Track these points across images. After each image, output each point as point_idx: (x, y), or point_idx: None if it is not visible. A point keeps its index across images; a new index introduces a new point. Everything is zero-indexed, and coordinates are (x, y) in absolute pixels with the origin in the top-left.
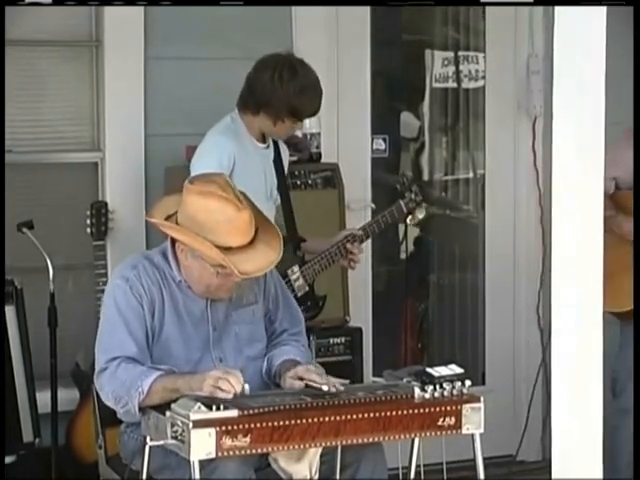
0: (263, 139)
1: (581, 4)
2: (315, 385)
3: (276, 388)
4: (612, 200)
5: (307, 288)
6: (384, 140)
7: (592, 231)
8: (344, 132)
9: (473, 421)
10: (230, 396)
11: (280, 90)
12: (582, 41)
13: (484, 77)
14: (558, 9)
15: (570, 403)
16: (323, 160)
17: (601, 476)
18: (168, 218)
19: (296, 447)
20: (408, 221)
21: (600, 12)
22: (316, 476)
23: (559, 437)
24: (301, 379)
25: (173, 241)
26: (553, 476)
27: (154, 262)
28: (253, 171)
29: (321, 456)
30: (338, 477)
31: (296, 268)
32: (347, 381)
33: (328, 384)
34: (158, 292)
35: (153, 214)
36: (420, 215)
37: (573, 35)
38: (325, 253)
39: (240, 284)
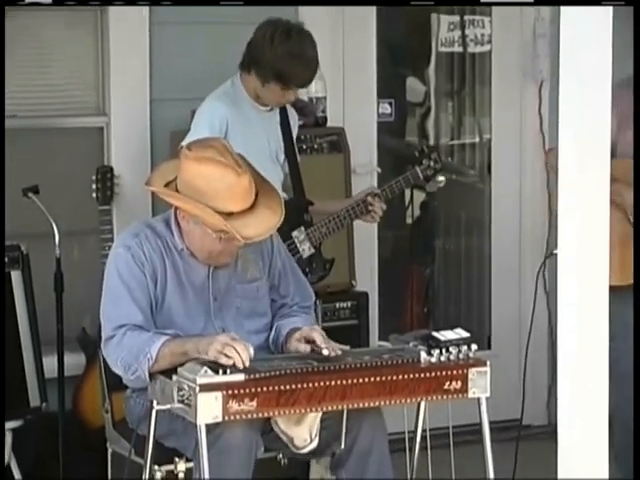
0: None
1: (581, 4)
2: (315, 348)
3: None
4: (610, 169)
5: (313, 250)
6: (390, 104)
7: (598, 197)
8: (350, 96)
9: (479, 385)
10: (230, 362)
11: (268, 51)
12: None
13: (490, 41)
14: None
15: (576, 368)
16: (329, 124)
17: (607, 440)
18: (168, 185)
19: (302, 411)
20: (427, 188)
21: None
22: (316, 440)
23: (565, 402)
24: (306, 340)
25: (176, 208)
26: (559, 440)
27: (156, 230)
28: (253, 135)
29: (322, 421)
30: (343, 443)
31: (302, 229)
32: (347, 347)
33: (329, 348)
34: (160, 260)
35: (152, 182)
36: (440, 182)
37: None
38: (334, 215)
39: (246, 258)
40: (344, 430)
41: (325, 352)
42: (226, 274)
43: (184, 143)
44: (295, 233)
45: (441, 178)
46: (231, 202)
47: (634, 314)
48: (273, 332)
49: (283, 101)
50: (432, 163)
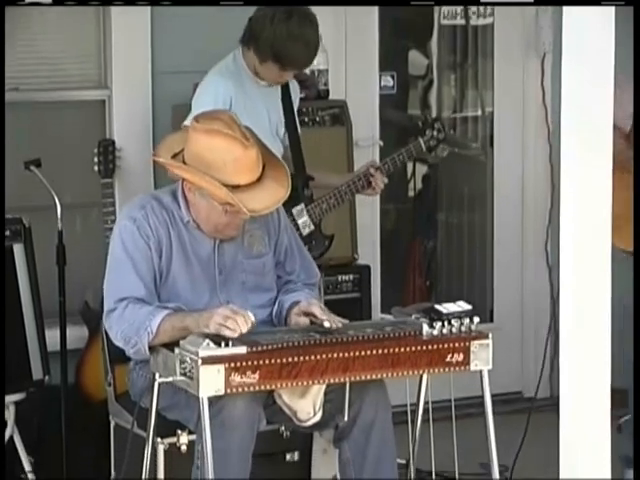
0: None
1: (581, 4)
2: (316, 320)
3: None
4: (630, 140)
5: (313, 227)
6: (392, 77)
7: (601, 167)
8: (352, 69)
9: (481, 358)
10: (235, 335)
11: (268, 29)
12: None
13: (492, 14)
14: None
15: (579, 340)
16: (331, 97)
17: (609, 412)
18: (174, 156)
19: (305, 384)
20: (430, 159)
21: None
22: (320, 413)
23: (567, 374)
24: (305, 314)
25: (183, 180)
26: (561, 413)
27: (162, 202)
28: (253, 110)
29: (325, 394)
30: (346, 415)
31: (301, 206)
32: (346, 321)
33: (330, 320)
34: (166, 233)
35: (159, 153)
36: (444, 153)
37: None
38: (335, 191)
39: (252, 233)
40: (347, 403)
41: (326, 324)
42: (232, 248)
43: (188, 121)
44: (295, 210)
45: (445, 149)
46: (238, 175)
47: (634, 308)
48: (276, 306)
49: (281, 80)
50: (435, 133)
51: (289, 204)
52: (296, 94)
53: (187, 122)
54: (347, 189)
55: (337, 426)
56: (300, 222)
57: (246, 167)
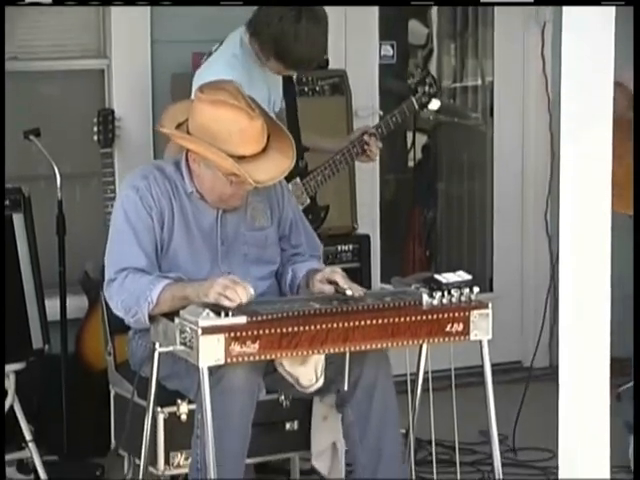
0: None
1: (581, 4)
2: (339, 289)
3: None
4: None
5: (308, 201)
6: (392, 46)
7: (601, 136)
8: (352, 38)
9: (481, 327)
10: (234, 305)
11: (274, 26)
12: None
13: None
14: None
15: (578, 309)
16: (331, 67)
17: (608, 381)
18: (178, 127)
19: (304, 353)
20: (422, 113)
21: None
22: (322, 379)
23: (566, 343)
24: (329, 281)
25: (187, 150)
26: (560, 382)
27: (165, 173)
28: (254, 88)
29: (326, 359)
30: (346, 385)
31: (297, 181)
32: (364, 290)
33: (352, 289)
34: (168, 203)
35: (163, 123)
36: (435, 106)
37: None
38: (330, 161)
39: (255, 206)
40: (347, 374)
41: (349, 292)
42: (235, 220)
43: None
44: (291, 186)
45: (436, 102)
46: (243, 145)
47: (634, 299)
48: (289, 275)
49: (285, 74)
50: (427, 88)
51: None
52: None
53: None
54: (342, 158)
55: (339, 390)
56: (296, 197)
57: (252, 138)
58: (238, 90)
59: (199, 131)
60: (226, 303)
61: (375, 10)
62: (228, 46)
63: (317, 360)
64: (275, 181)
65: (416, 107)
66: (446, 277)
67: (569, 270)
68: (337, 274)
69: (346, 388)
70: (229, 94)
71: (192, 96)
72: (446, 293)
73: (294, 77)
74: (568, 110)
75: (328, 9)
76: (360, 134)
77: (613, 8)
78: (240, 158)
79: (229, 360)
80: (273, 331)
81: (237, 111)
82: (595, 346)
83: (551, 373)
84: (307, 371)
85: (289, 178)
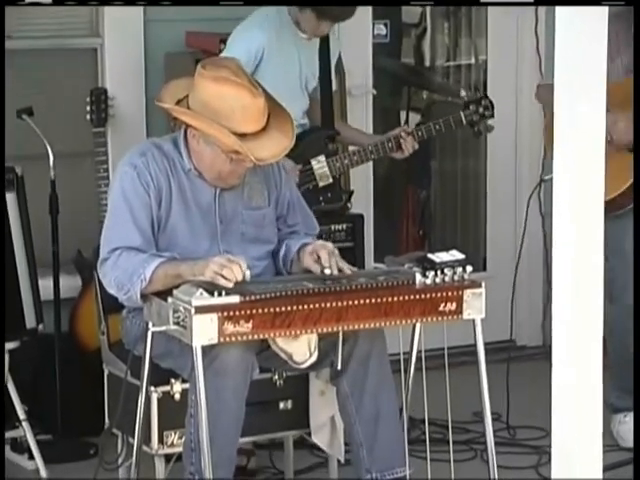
0: None
1: (581, 4)
2: (320, 264)
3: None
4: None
5: (331, 180)
6: (385, 25)
7: (594, 114)
8: None
9: (474, 306)
10: (231, 285)
11: None
12: None
13: None
14: None
15: (570, 288)
16: None
17: (601, 359)
18: (178, 103)
19: (297, 333)
20: (474, 135)
21: None
22: (315, 353)
23: (559, 322)
24: (317, 256)
25: (186, 127)
26: (553, 361)
27: (163, 150)
28: (286, 62)
29: (319, 333)
30: (339, 364)
31: (321, 158)
32: (355, 268)
33: (331, 267)
34: (166, 181)
35: (163, 99)
36: (489, 130)
37: None
38: (361, 149)
39: (252, 186)
40: (340, 353)
41: (327, 271)
42: (232, 198)
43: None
44: (314, 160)
45: (489, 123)
46: (245, 123)
47: (634, 299)
48: (283, 249)
49: (318, 32)
50: (481, 110)
51: (310, 154)
52: (335, 50)
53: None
54: (374, 149)
55: (332, 363)
56: (317, 173)
57: (254, 115)
58: (240, 67)
59: (201, 108)
60: (223, 282)
61: None
62: (264, 10)
63: (310, 335)
64: (276, 159)
65: (464, 122)
66: (439, 256)
67: (562, 249)
68: (324, 250)
69: (339, 367)
70: (231, 71)
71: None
72: (439, 272)
73: (333, 63)
74: (561, 86)
75: None
76: (399, 131)
77: None
78: (241, 136)
79: (222, 339)
80: (266, 310)
81: (240, 88)
82: (588, 325)
83: (544, 352)
84: (300, 346)
85: (316, 155)
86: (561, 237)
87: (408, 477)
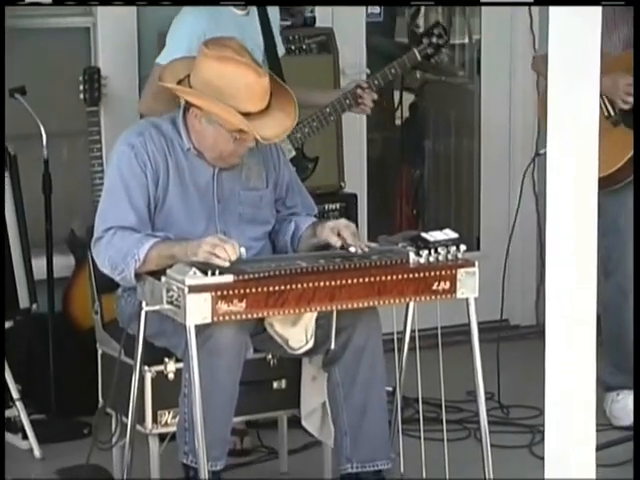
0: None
1: (580, 4)
2: (345, 244)
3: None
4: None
5: (294, 152)
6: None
7: (588, 95)
8: None
9: (468, 286)
10: (226, 264)
11: None
12: None
13: None
14: None
15: (563, 267)
16: (317, 25)
17: (594, 339)
18: (179, 82)
19: (291, 312)
20: (428, 67)
21: None
22: (312, 340)
23: (553, 301)
24: (338, 233)
25: (185, 107)
26: (546, 340)
27: (162, 129)
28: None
29: (316, 320)
30: (333, 343)
31: None
32: (372, 244)
33: (356, 246)
34: (163, 161)
35: (165, 78)
36: (445, 58)
37: None
38: (318, 113)
39: (250, 167)
40: (333, 331)
41: (352, 249)
42: (230, 179)
43: (160, 60)
44: None
45: (445, 57)
46: (250, 102)
47: (634, 298)
48: (292, 226)
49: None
50: (434, 39)
51: None
52: (274, 16)
53: (160, 60)
54: (332, 110)
55: (327, 351)
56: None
57: (258, 94)
58: (242, 47)
59: (204, 87)
60: (216, 261)
61: None
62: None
63: (307, 322)
64: (280, 138)
65: (418, 58)
66: (433, 235)
67: (556, 228)
68: (347, 229)
69: (333, 346)
70: (233, 51)
71: (162, 59)
72: (433, 251)
73: (276, 31)
74: (555, 66)
75: None
76: (354, 86)
77: None
78: (245, 115)
79: (216, 319)
80: (260, 290)
81: (244, 67)
82: (582, 304)
83: (538, 331)
84: (297, 332)
85: None
86: (555, 215)
87: (401, 469)
